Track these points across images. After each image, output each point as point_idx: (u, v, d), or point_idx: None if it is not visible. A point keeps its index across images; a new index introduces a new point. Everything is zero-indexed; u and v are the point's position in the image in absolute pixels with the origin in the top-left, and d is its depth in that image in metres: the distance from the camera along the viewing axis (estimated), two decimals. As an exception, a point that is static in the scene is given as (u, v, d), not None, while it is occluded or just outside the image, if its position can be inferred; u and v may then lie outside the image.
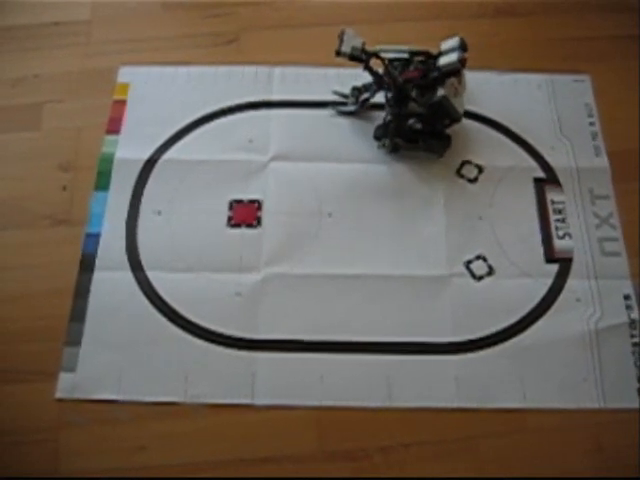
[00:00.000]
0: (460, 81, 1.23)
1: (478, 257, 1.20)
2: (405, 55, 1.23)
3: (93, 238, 1.21)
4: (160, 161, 1.28)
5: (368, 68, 1.22)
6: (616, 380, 1.09)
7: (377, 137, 1.29)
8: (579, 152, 1.30)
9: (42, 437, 1.06)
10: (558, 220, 1.23)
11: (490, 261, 1.19)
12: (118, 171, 1.27)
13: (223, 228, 1.22)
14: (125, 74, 1.38)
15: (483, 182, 1.27)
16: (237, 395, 1.08)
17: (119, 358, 1.11)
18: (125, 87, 1.36)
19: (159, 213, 1.23)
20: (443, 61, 1.18)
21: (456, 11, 1.46)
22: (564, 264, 1.19)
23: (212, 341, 1.12)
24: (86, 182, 1.26)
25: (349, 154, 1.29)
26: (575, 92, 1.37)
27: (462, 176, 1.28)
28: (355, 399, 1.08)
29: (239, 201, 1.25)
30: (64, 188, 1.26)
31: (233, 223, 1.22)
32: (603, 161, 1.29)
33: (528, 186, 1.26)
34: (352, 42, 1.20)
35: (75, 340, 1.12)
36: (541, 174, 1.28)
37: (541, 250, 1.20)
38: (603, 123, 1.33)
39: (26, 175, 1.28)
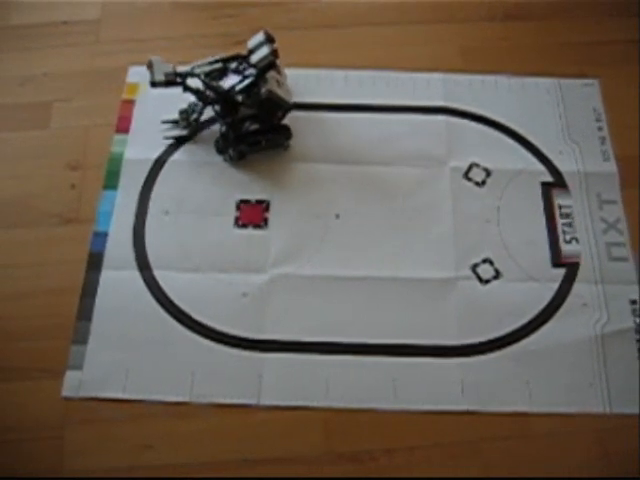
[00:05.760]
0: (279, 71, 1.24)
1: (485, 260, 1.20)
2: (218, 65, 1.23)
3: (101, 237, 1.21)
4: (169, 161, 1.28)
5: (187, 88, 1.22)
6: (622, 385, 1.09)
7: (220, 151, 1.28)
8: (587, 156, 1.30)
9: (48, 435, 1.06)
10: (565, 224, 1.23)
11: (497, 265, 1.19)
12: (127, 170, 1.27)
13: (230, 228, 1.22)
14: (135, 74, 1.38)
15: (491, 185, 1.27)
16: (243, 395, 1.08)
17: (125, 357, 1.11)
18: (135, 87, 1.37)
19: (167, 213, 1.24)
20: (256, 57, 1.19)
21: (465, 15, 1.47)
22: (571, 268, 1.19)
23: (218, 341, 1.12)
24: (94, 181, 1.27)
25: (360, 155, 1.29)
26: (583, 96, 1.37)
27: (470, 179, 1.28)
28: (361, 401, 1.08)
29: (246, 201, 1.25)
30: (72, 187, 1.27)
31: (240, 223, 1.23)
32: (611, 166, 1.29)
33: (536, 190, 1.26)
34: (163, 69, 1.20)
35: (82, 338, 1.12)
36: (549, 178, 1.28)
37: (548, 254, 1.20)
38: (611, 128, 1.33)
39: (34, 173, 1.29)
